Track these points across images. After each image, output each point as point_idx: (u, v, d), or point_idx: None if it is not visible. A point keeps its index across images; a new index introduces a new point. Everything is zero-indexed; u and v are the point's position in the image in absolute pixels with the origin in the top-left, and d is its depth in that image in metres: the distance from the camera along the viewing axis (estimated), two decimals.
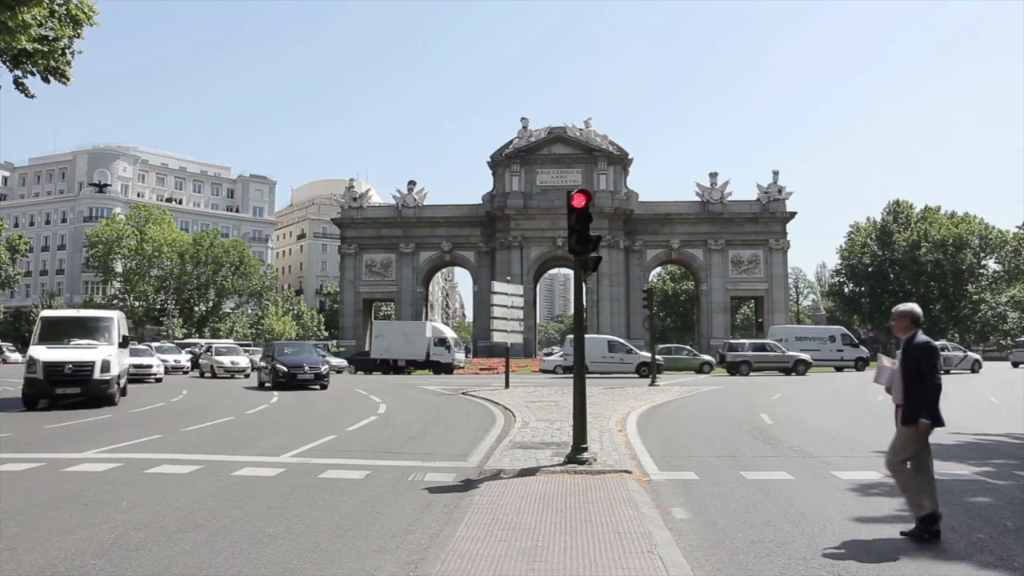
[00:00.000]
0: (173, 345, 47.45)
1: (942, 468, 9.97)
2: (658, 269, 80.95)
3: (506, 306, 26.54)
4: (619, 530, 6.59)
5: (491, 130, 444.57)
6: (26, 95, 17.84)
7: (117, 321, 21.37)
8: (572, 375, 37.08)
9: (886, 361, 6.96)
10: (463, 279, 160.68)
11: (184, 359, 41.88)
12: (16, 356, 56.46)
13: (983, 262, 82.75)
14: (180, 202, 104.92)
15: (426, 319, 60.92)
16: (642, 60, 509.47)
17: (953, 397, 23.56)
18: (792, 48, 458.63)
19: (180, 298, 77.95)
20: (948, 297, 79.95)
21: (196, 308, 79.36)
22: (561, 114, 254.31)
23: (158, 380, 31.60)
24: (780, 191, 64.80)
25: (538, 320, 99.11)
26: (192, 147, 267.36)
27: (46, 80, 17.92)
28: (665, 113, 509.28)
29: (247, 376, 35.16)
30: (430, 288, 77.60)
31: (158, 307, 75.83)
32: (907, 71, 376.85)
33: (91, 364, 18.93)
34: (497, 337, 27.07)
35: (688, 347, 49.58)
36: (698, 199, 65.42)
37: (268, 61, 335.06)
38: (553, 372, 40.01)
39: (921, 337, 6.61)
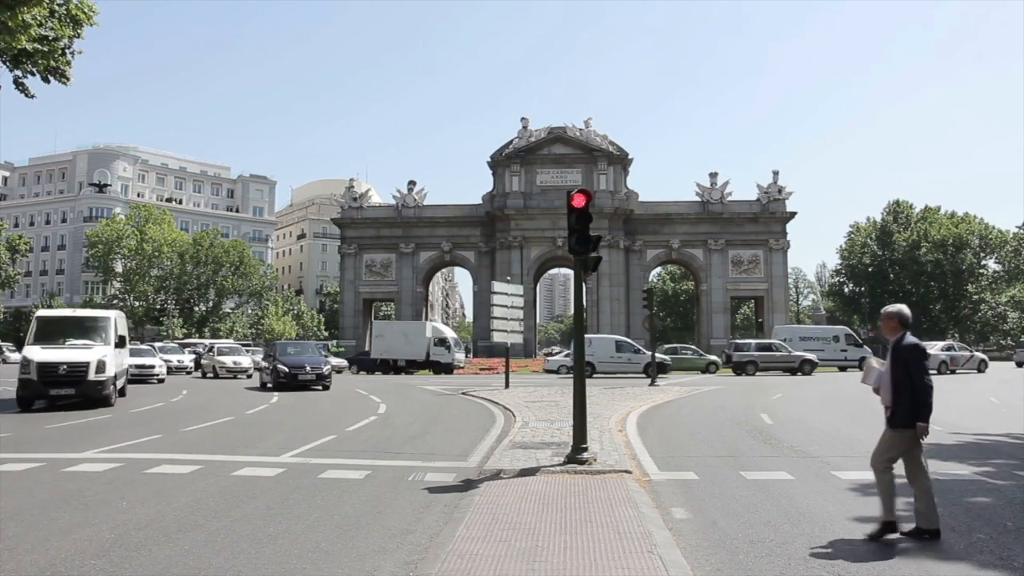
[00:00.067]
0: (176, 345, 47.11)
1: (942, 468, 9.99)
2: (658, 269, 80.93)
3: (506, 306, 26.54)
4: (619, 530, 6.59)
5: (491, 130, 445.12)
6: (26, 95, 17.84)
7: (114, 321, 21.04)
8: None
9: (875, 362, 6.95)
10: (463, 279, 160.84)
11: (187, 359, 41.58)
12: (16, 356, 56.36)
13: (983, 262, 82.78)
14: (180, 202, 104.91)
15: (426, 319, 60.90)
16: (642, 60, 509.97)
17: (953, 397, 23.64)
18: (792, 48, 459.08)
19: (180, 298, 77.94)
20: (948, 297, 79.96)
21: (196, 308, 79.34)
22: (561, 114, 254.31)
23: (160, 381, 31.41)
24: (780, 191, 64.77)
25: (538, 320, 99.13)
26: (192, 147, 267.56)
27: (46, 80, 17.92)
28: (665, 113, 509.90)
29: (249, 376, 34.97)
30: (430, 288, 77.59)
31: (158, 307, 75.81)
32: (907, 71, 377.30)
33: (86, 365, 18.63)
34: (497, 337, 27.06)
35: (694, 347, 49.59)
36: (698, 199, 65.40)
37: (268, 61, 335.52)
38: (557, 372, 40.02)
39: (909, 338, 6.60)
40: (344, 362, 47.13)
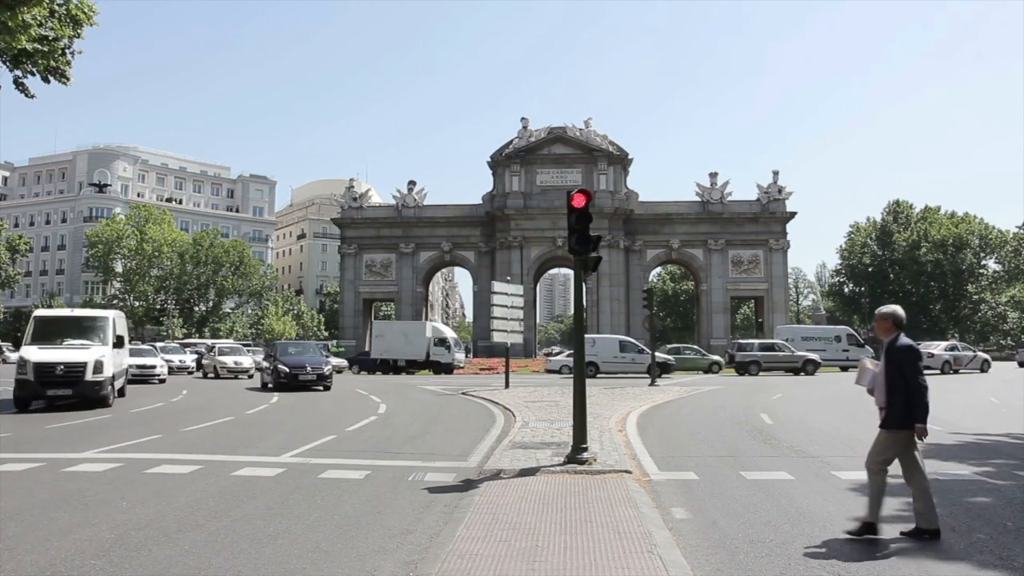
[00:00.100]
0: (177, 345, 46.84)
1: (942, 468, 9.99)
2: (658, 269, 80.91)
3: (506, 306, 26.54)
4: (619, 530, 6.59)
5: (491, 130, 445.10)
6: (26, 95, 17.82)
7: (112, 321, 20.79)
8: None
9: (868, 363, 6.95)
10: (463, 279, 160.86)
11: (189, 359, 41.33)
12: (15, 356, 56.29)
13: (983, 262, 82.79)
14: (180, 202, 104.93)
15: (426, 319, 60.89)
16: (642, 60, 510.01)
17: (954, 397, 23.66)
18: (792, 48, 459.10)
19: (180, 298, 77.95)
20: (948, 297, 79.96)
21: (196, 308, 79.36)
22: (561, 114, 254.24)
23: (162, 381, 31.20)
24: (780, 191, 64.76)
25: (538, 320, 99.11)
26: (192, 147, 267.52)
27: (46, 80, 17.89)
28: (665, 113, 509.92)
29: (251, 377, 34.75)
30: (430, 288, 77.58)
31: (158, 307, 75.82)
32: (907, 71, 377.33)
33: (83, 365, 18.42)
34: (497, 337, 27.06)
35: (697, 347, 49.60)
36: (698, 199, 65.39)
37: (268, 61, 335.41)
38: (559, 372, 40.02)
39: (903, 340, 6.60)
40: (344, 362, 47.13)
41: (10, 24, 14.46)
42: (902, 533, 6.56)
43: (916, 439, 6.49)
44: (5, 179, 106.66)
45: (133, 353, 31.33)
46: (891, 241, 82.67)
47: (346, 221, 67.40)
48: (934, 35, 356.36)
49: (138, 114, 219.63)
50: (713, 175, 65.56)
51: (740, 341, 45.68)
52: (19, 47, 15.90)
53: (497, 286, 28.57)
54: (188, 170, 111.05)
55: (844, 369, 42.56)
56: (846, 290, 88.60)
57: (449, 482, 9.20)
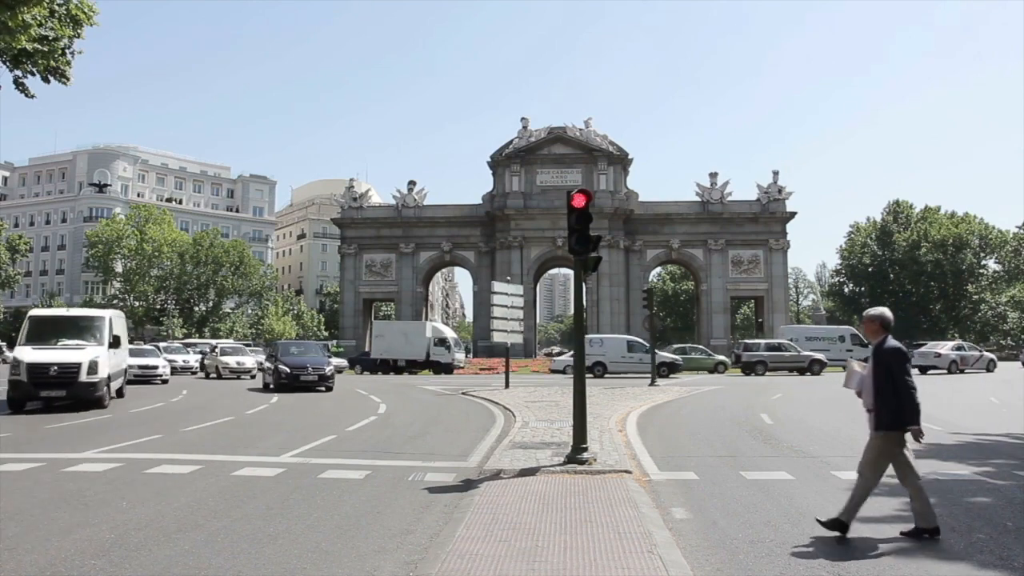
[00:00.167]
0: (180, 345, 46.36)
1: (942, 468, 10.00)
2: (658, 269, 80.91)
3: (506, 306, 26.53)
4: (619, 530, 6.59)
5: (491, 130, 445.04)
6: (26, 95, 17.81)
7: (109, 320, 20.31)
8: (593, 376, 36.81)
9: (856, 366, 6.96)
10: (463, 279, 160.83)
11: (192, 359, 40.84)
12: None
13: (983, 262, 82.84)
14: (180, 202, 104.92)
15: (426, 319, 60.88)
16: (642, 60, 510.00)
17: (953, 397, 23.66)
18: (792, 48, 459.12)
19: (180, 298, 77.96)
20: (948, 297, 80.00)
21: (196, 308, 79.36)
22: (561, 114, 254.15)
23: (164, 381, 30.85)
24: (780, 191, 64.76)
25: (538, 320, 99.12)
26: (192, 147, 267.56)
27: (46, 80, 17.88)
28: (665, 113, 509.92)
29: (253, 377, 34.44)
30: (430, 288, 77.58)
31: (158, 307, 75.82)
32: (907, 71, 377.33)
33: (77, 366, 18.04)
34: (497, 337, 27.05)
35: (702, 347, 49.62)
36: (698, 199, 65.39)
37: (268, 61, 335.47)
38: (563, 372, 40.02)
39: (891, 342, 6.60)
40: (344, 362, 47.14)
41: (10, 24, 14.46)
42: (902, 533, 6.57)
43: (912, 439, 6.49)
44: (5, 179, 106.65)
45: (135, 353, 31.14)
46: (891, 241, 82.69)
47: (346, 221, 67.41)
48: (934, 35, 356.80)
49: (138, 114, 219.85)
50: (713, 175, 65.56)
51: (747, 341, 45.84)
52: (19, 47, 15.90)
53: (497, 286, 28.56)
54: (188, 170, 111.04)
55: None
56: (846, 290, 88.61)
57: (449, 482, 9.19)
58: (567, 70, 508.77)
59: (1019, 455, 11.78)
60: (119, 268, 77.35)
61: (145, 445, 12.32)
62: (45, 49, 16.89)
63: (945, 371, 38.39)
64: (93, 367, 18.32)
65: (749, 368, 39.85)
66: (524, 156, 64.61)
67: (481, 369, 45.88)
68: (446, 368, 43.60)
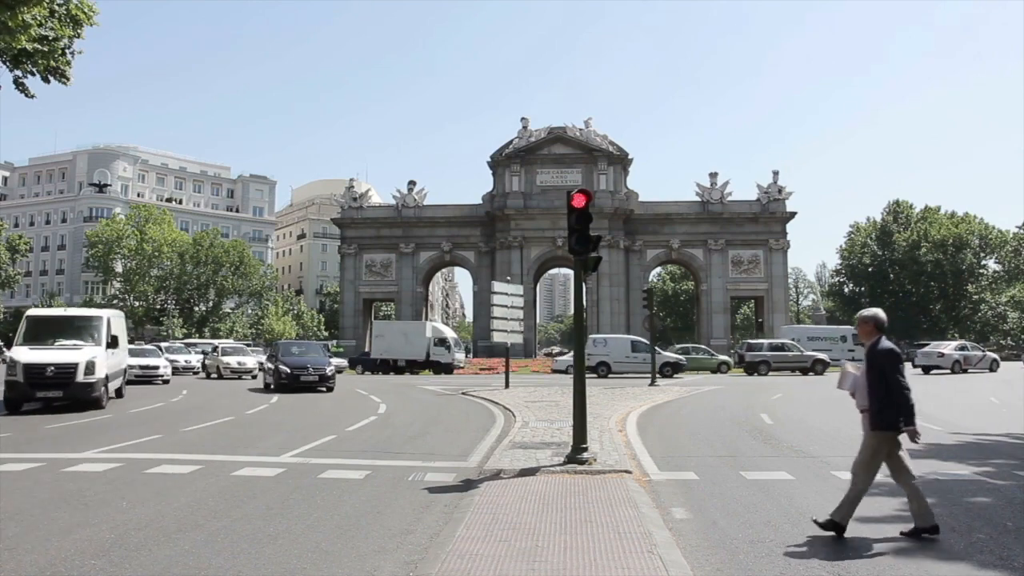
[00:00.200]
0: (182, 345, 46.08)
1: (942, 468, 10.00)
2: (658, 269, 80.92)
3: (506, 306, 26.53)
4: (619, 530, 6.59)
5: (491, 130, 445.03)
6: (26, 95, 17.81)
7: (106, 320, 20.15)
8: (597, 375, 36.79)
9: (850, 367, 6.96)
10: (463, 279, 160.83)
11: (195, 360, 40.55)
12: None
13: (983, 262, 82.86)
14: (180, 202, 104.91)
15: (426, 319, 60.89)
16: (642, 60, 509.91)
17: (954, 397, 23.66)
18: (792, 48, 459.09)
19: (180, 298, 77.96)
20: (948, 297, 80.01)
21: (196, 308, 79.36)
22: (561, 114, 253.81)
23: (165, 382, 30.72)
24: (780, 191, 64.78)
25: (538, 320, 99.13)
26: (192, 147, 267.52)
27: (46, 80, 17.88)
28: (665, 113, 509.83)
29: (254, 377, 34.23)
30: (430, 288, 77.58)
31: (158, 307, 75.82)
32: (907, 71, 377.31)
33: (74, 366, 17.86)
34: (497, 337, 27.04)
35: (705, 347, 49.67)
36: (698, 199, 65.39)
37: (268, 61, 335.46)
38: (565, 372, 40.03)
39: (885, 343, 6.60)
40: (344, 362, 47.15)
41: (10, 24, 14.46)
42: (902, 533, 6.57)
43: (908, 440, 6.50)
44: (5, 179, 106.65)
45: (137, 354, 31.06)
46: (891, 241, 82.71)
47: (346, 221, 67.41)
48: (934, 35, 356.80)
49: (138, 114, 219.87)
50: (713, 175, 65.57)
51: (750, 341, 45.98)
52: (19, 47, 15.89)
53: (497, 286, 28.56)
54: (188, 170, 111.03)
55: None
56: (846, 290, 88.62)
57: (449, 482, 9.19)
58: (567, 70, 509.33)
59: (1019, 455, 11.78)
60: (119, 268, 77.35)
61: (145, 445, 12.32)
62: (45, 49, 16.88)
63: (948, 371, 38.43)
64: (90, 367, 18.18)
65: (752, 368, 39.92)
66: (524, 156, 64.61)
67: (481, 369, 45.89)
68: (446, 368, 43.61)
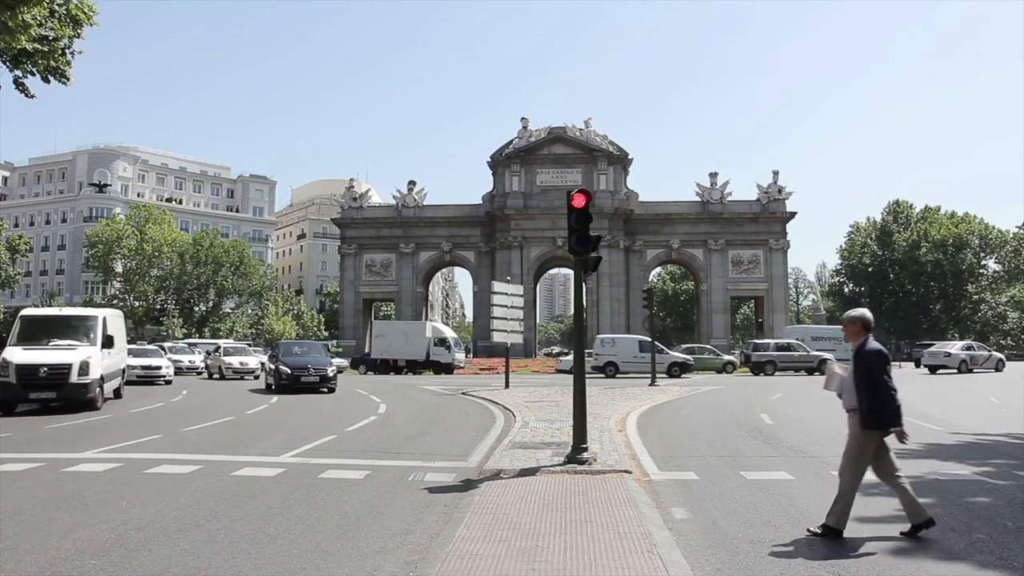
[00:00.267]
0: (185, 345, 45.72)
1: (942, 468, 10.00)
2: (658, 269, 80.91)
3: (506, 306, 26.53)
4: (619, 530, 6.59)
5: (491, 130, 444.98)
6: (26, 95, 17.79)
7: (102, 320, 19.85)
8: (605, 376, 36.87)
9: (837, 367, 6.98)
10: (463, 279, 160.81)
11: (198, 360, 40.18)
12: None
13: (983, 262, 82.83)
14: (180, 202, 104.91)
15: (426, 319, 60.89)
16: (642, 60, 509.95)
17: (954, 397, 23.66)
18: (792, 48, 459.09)
19: (180, 298, 77.94)
20: (948, 297, 79.98)
21: (196, 308, 79.35)
22: (561, 114, 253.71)
23: (168, 382, 30.50)
24: (780, 191, 64.77)
25: (538, 320, 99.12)
26: (192, 147, 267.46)
27: (46, 80, 17.86)
28: (665, 113, 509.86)
29: (256, 378, 33.77)
30: (430, 288, 77.58)
31: (158, 307, 75.80)
32: (907, 71, 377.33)
33: (67, 367, 17.57)
34: (497, 337, 27.05)
35: (711, 347, 49.72)
36: (698, 199, 65.39)
37: (268, 61, 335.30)
38: (569, 372, 39.99)
39: (872, 344, 6.61)
40: (344, 362, 47.16)
41: (10, 24, 14.45)
42: (901, 533, 6.57)
43: (897, 441, 6.51)
44: (5, 179, 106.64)
45: (138, 354, 30.95)
46: (891, 241, 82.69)
47: (346, 221, 67.41)
48: (934, 35, 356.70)
49: (138, 114, 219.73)
50: (713, 175, 65.57)
51: (756, 341, 46.21)
52: (19, 47, 15.88)
53: (497, 286, 28.56)
54: (188, 170, 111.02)
55: None
56: (846, 290, 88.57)
57: (449, 482, 9.19)
58: (567, 70, 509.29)
59: (1019, 455, 11.78)
60: (119, 268, 77.33)
61: (145, 445, 12.32)
62: (45, 49, 16.87)
63: (955, 370, 38.56)
64: (84, 368, 17.87)
65: (759, 368, 40.08)
66: (524, 156, 64.61)
67: (481, 369, 45.91)
68: (446, 368, 43.62)
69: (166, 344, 43.59)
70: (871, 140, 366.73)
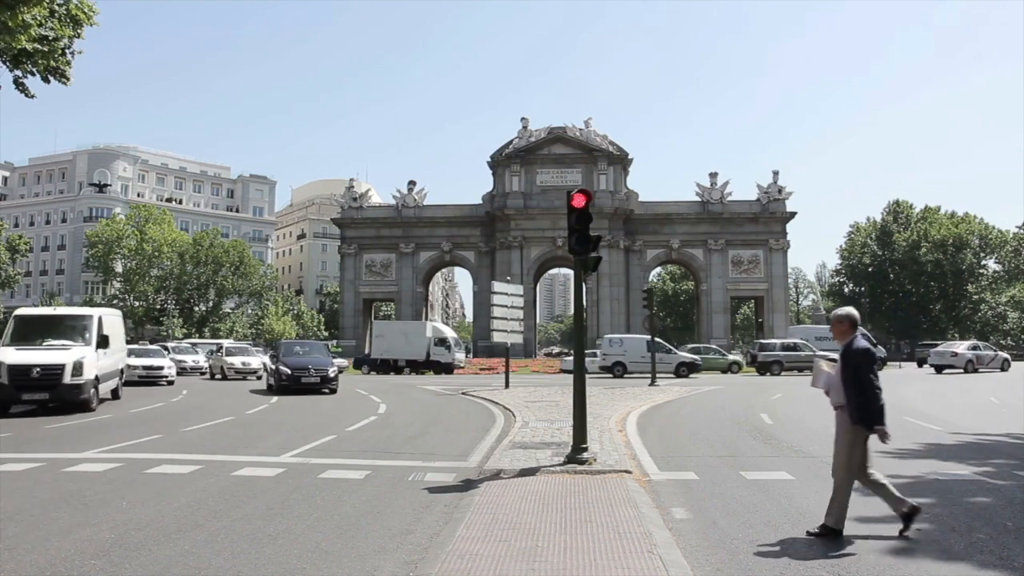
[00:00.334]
0: (189, 345, 45.45)
1: (942, 468, 10.01)
2: (658, 269, 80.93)
3: (506, 306, 26.53)
4: (619, 530, 6.59)
5: (491, 130, 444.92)
6: (26, 95, 17.78)
7: (97, 319, 19.49)
8: (613, 376, 36.98)
9: (824, 365, 6.99)
10: (463, 279, 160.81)
11: (202, 360, 39.82)
12: None
13: (983, 262, 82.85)
14: (180, 202, 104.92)
15: (426, 319, 60.92)
16: (642, 60, 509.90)
17: (954, 397, 23.67)
18: (792, 48, 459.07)
19: (180, 298, 77.97)
20: (948, 297, 79.98)
21: (196, 308, 79.38)
22: (561, 114, 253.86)
23: (170, 382, 30.27)
24: (780, 191, 64.80)
25: (538, 320, 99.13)
26: (192, 147, 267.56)
27: (46, 80, 17.85)
28: (665, 113, 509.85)
29: (259, 378, 33.23)
30: (430, 288, 77.59)
31: (158, 307, 75.82)
32: (907, 71, 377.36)
33: (61, 367, 17.24)
34: (497, 337, 27.04)
35: (716, 347, 49.79)
36: (698, 199, 65.42)
37: (268, 61, 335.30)
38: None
39: (860, 342, 6.63)
40: (345, 362, 47.19)
41: (10, 24, 14.45)
42: (901, 533, 6.57)
43: (879, 440, 6.52)
44: (5, 179, 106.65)
45: (140, 354, 30.82)
46: (891, 241, 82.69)
47: (346, 221, 67.42)
48: (934, 35, 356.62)
49: (138, 114, 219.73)
50: (713, 175, 65.59)
51: (762, 341, 46.48)
52: (19, 47, 15.88)
53: (497, 286, 28.56)
54: (188, 170, 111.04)
55: None
56: (846, 290, 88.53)
57: (449, 482, 9.19)
58: (567, 70, 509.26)
59: (1019, 455, 11.78)
60: (119, 268, 77.35)
61: (145, 445, 12.32)
62: (45, 49, 16.87)
63: (961, 370, 38.64)
64: (78, 368, 17.55)
65: (765, 368, 40.31)
66: (524, 156, 64.63)
67: (481, 369, 45.92)
68: (446, 368, 43.64)
69: (169, 344, 43.35)
70: (871, 140, 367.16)
